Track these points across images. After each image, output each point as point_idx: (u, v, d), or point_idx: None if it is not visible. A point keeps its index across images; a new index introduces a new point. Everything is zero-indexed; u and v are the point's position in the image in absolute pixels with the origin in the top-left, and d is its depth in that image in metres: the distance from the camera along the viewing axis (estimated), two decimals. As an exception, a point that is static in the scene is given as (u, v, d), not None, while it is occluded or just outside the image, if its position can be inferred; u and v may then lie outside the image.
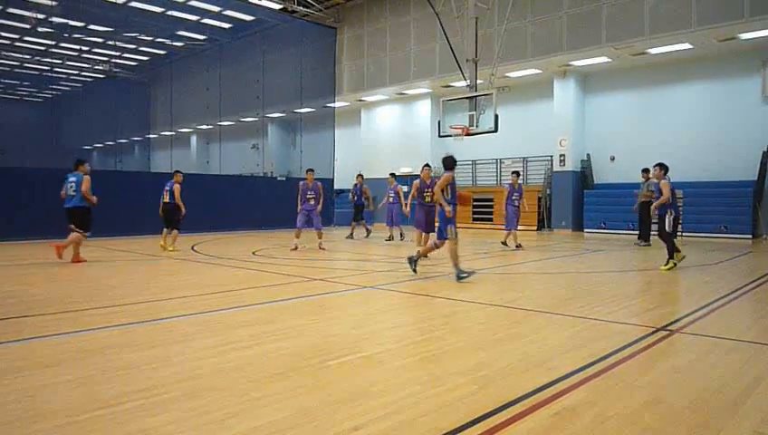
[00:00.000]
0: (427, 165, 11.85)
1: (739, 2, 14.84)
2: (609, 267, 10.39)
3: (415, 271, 8.84)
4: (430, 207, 11.06)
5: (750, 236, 16.28)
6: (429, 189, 11.13)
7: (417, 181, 11.50)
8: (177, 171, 13.13)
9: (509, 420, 3.04)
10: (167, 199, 12.55)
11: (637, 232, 15.60)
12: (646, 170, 15.16)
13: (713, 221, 15.60)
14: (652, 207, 10.02)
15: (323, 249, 12.84)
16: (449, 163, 8.53)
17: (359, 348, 4.60)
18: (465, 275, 8.11)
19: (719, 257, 11.30)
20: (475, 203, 20.85)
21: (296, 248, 12.72)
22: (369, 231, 17.27)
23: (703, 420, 3.08)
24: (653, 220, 15.37)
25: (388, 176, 16.75)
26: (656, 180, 9.99)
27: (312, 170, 13.44)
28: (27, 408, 3.21)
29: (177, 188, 12.53)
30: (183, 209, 12.49)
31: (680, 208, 10.00)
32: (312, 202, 12.95)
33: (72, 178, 10.43)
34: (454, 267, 8.18)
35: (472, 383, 3.66)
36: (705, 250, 13.38)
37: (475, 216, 22.60)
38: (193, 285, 8.01)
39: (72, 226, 10.35)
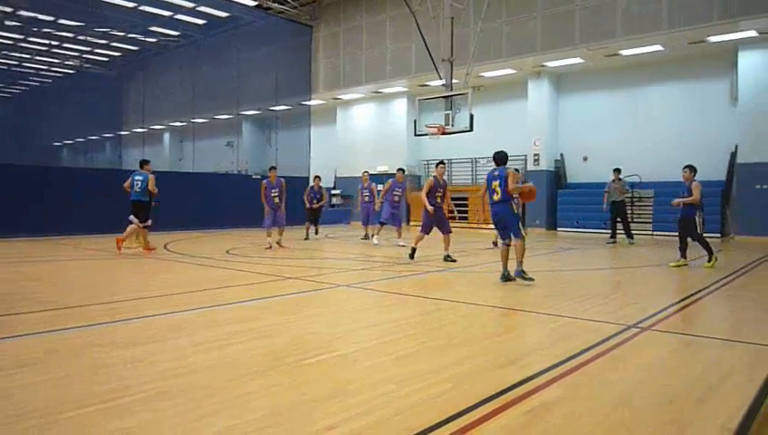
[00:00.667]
0: (442, 162, 11.11)
1: (708, 5, 15.15)
2: (583, 266, 10.53)
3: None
4: (440, 208, 10.66)
5: (719, 235, 16.63)
6: (442, 189, 10.62)
7: (430, 179, 10.62)
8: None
9: (483, 418, 3.06)
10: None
11: (609, 231, 15.82)
12: (617, 170, 15.42)
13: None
14: (675, 201, 10.17)
15: (283, 247, 12.87)
16: (505, 158, 8.27)
17: (334, 347, 4.59)
18: (529, 277, 7.76)
19: (689, 256, 11.51)
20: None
21: (270, 247, 12.70)
22: (308, 236, 15.99)
23: (673, 417, 3.14)
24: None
25: (362, 173, 16.44)
26: (686, 182, 10.21)
27: (274, 168, 13.56)
28: (-6, 410, 3.14)
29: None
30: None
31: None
32: (277, 200, 12.95)
33: (138, 177, 11.82)
34: (518, 264, 7.86)
35: (447, 381, 3.68)
36: (676, 249, 13.63)
37: (450, 214, 22.68)
38: (167, 284, 7.91)
39: (131, 217, 11.67)
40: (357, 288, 7.69)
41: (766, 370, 3.95)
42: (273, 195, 12.91)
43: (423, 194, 10.45)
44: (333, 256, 12.56)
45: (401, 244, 13.45)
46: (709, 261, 9.96)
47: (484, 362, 4.20)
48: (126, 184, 11.98)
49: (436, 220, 10.52)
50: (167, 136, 35.25)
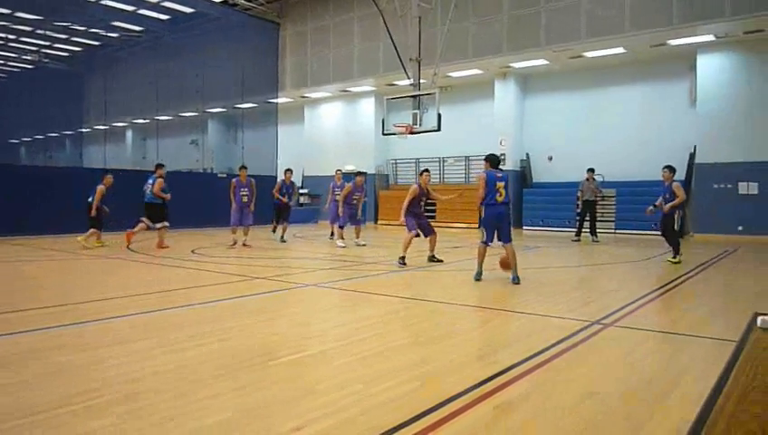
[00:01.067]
0: (427, 170, 10.68)
1: (668, 10, 15.54)
2: (548, 263, 10.68)
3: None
4: (422, 215, 10.35)
5: (684, 232, 17.07)
6: (426, 197, 10.23)
7: (414, 187, 10.07)
8: (108, 173, 13.16)
9: (451, 416, 3.08)
10: (89, 199, 12.65)
11: (575, 229, 16.09)
12: (591, 170, 15.75)
13: (645, 219, 16.22)
14: (667, 206, 10.33)
15: (248, 246, 12.81)
16: (499, 160, 8.32)
17: (303, 347, 4.57)
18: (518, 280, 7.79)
19: (650, 253, 11.82)
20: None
21: (234, 245, 12.74)
22: (275, 232, 15.35)
23: (635, 410, 3.22)
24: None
25: (335, 172, 15.82)
26: (666, 182, 10.47)
27: (244, 167, 13.55)
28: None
29: (99, 189, 12.64)
30: (93, 212, 12.47)
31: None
32: (246, 199, 13.03)
33: (149, 180, 12.70)
34: (514, 270, 7.83)
35: (415, 380, 3.69)
36: (638, 247, 13.97)
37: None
38: (130, 285, 7.75)
39: (144, 218, 12.42)
40: (325, 288, 7.66)
41: (723, 363, 4.07)
42: (242, 193, 12.97)
43: (405, 202, 9.95)
44: (301, 255, 12.48)
45: (362, 243, 13.50)
46: (674, 257, 10.21)
47: (451, 359, 4.23)
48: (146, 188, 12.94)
49: (419, 224, 10.15)
50: (129, 133, 34.52)
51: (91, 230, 12.60)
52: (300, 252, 13.00)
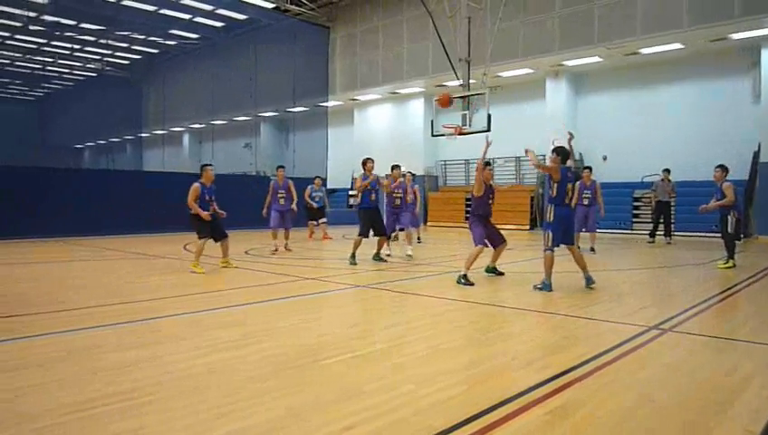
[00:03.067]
0: (489, 163, 8.86)
1: (729, 2, 14.92)
2: (600, 266, 10.40)
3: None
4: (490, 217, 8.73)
5: (741, 236, 16.34)
6: (492, 195, 8.71)
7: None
8: (208, 165, 9.88)
9: (502, 419, 3.04)
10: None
11: (627, 231, 15.64)
12: (667, 170, 15.29)
13: (705, 220, 15.61)
14: (713, 205, 9.80)
15: (290, 250, 12.44)
16: (567, 155, 7.65)
17: (351, 347, 4.59)
18: (540, 287, 7.32)
19: (711, 256, 11.36)
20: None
21: (276, 250, 12.21)
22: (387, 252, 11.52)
23: (694, 419, 3.09)
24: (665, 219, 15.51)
25: (406, 173, 13.56)
26: (718, 182, 9.86)
27: (282, 167, 13.10)
28: (8, 409, 3.18)
29: (193, 187, 9.41)
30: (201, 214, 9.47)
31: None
32: (283, 202, 12.58)
33: (317, 192, 15.79)
34: (585, 271, 7.50)
35: (464, 382, 3.66)
36: (698, 249, 13.46)
37: (468, 214, 22.60)
38: (183, 285, 7.96)
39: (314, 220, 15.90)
40: (373, 289, 7.68)
41: (791, 372, 3.88)
42: (279, 195, 12.58)
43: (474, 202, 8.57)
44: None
45: (409, 252, 11.57)
46: (726, 262, 9.73)
47: (502, 363, 4.17)
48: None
49: (488, 234, 8.56)
50: (186, 137, 35.62)
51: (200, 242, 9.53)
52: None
